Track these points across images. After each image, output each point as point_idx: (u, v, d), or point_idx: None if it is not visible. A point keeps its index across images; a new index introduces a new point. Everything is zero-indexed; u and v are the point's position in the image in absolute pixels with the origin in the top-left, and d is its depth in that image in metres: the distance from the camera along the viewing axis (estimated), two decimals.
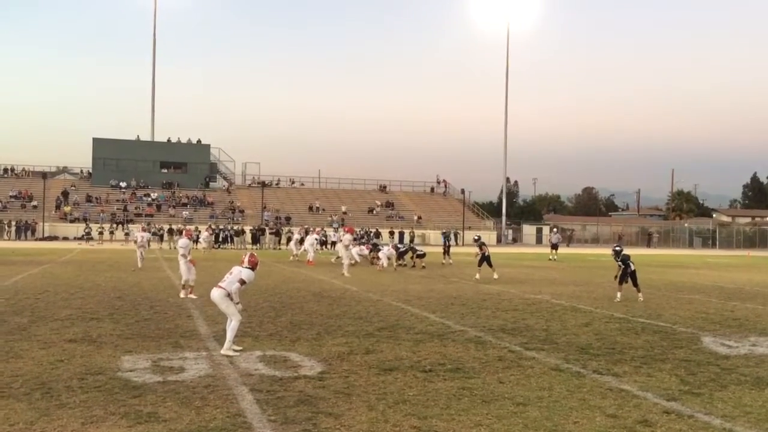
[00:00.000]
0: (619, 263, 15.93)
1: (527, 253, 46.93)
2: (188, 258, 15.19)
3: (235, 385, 7.14)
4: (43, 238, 51.87)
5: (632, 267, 15.75)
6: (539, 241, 69.82)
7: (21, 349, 8.88)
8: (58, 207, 58.09)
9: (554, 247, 37.61)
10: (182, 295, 14.90)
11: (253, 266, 9.13)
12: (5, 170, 65.95)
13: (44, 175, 58.73)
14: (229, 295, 8.90)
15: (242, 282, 8.92)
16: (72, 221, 55.72)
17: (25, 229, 52.44)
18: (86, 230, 50.64)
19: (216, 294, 8.94)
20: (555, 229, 44.44)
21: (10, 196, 59.50)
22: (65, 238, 52.26)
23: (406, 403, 6.56)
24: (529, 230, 74.52)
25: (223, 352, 8.69)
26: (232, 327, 8.83)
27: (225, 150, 73.58)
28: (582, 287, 19.63)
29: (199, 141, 69.73)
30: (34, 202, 58.19)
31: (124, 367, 7.89)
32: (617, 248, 16.50)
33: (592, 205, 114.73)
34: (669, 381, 7.74)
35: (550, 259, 35.65)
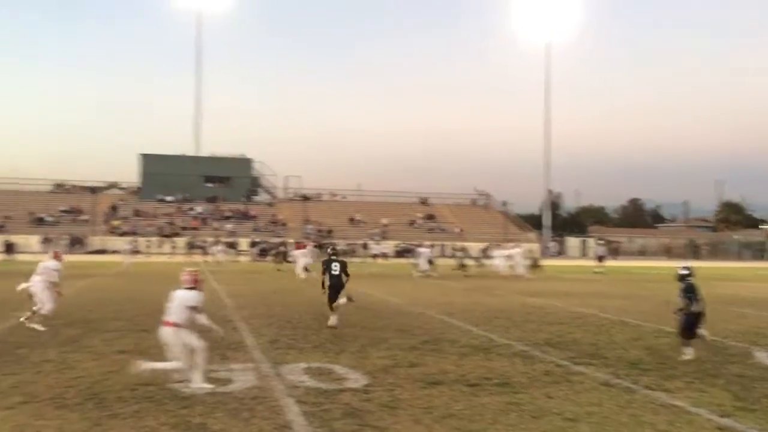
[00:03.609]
0: (685, 296, 9.90)
1: (572, 265, 46.27)
2: (48, 285, 12.29)
3: (281, 397, 7.20)
4: (93, 252, 53.13)
5: (699, 306, 9.85)
6: (584, 253, 68.80)
7: (74, 360, 9.10)
8: (107, 221, 59.48)
9: (600, 259, 37.00)
10: (23, 318, 12.11)
11: (193, 284, 7.81)
12: (57, 186, 67.81)
13: (93, 190, 60.24)
14: (185, 328, 7.62)
15: (195, 309, 7.67)
16: (121, 235, 56.98)
17: (75, 243, 53.83)
18: (130, 244, 51.86)
19: (164, 333, 7.67)
20: (601, 241, 43.74)
21: (61, 211, 61.13)
22: (114, 252, 53.43)
23: (453, 418, 6.52)
24: (573, 242, 73.51)
25: (194, 385, 7.54)
26: (200, 359, 7.64)
27: (267, 163, 74.38)
28: (629, 301, 19.26)
29: (242, 155, 70.75)
30: (84, 217, 59.72)
31: (174, 378, 8.01)
32: (684, 272, 10.26)
33: (638, 216, 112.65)
34: (722, 397, 7.54)
35: (595, 272, 35.07)
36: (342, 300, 12.92)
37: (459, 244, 51.16)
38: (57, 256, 13.02)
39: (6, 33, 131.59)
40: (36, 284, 12.15)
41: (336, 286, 12.97)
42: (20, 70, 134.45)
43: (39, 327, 11.74)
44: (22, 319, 12.02)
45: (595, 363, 9.46)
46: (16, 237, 48.17)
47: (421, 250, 31.46)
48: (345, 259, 14.08)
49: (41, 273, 12.31)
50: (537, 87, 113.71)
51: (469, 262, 32.47)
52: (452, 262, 33.98)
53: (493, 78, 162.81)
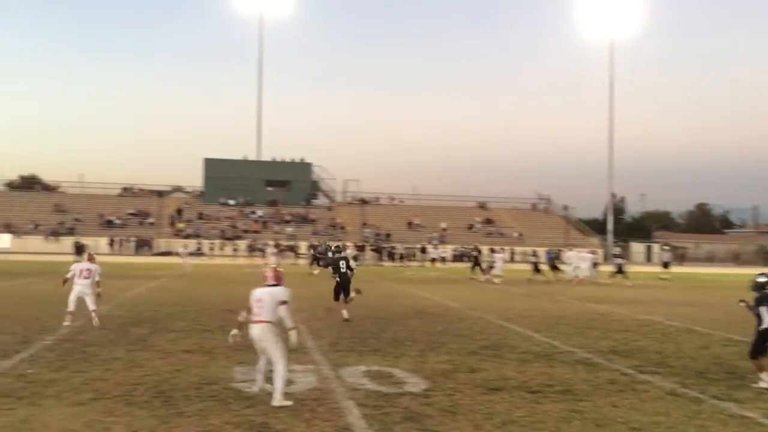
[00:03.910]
0: (760, 307, 8.42)
1: (637, 271, 45.09)
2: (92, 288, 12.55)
3: (342, 399, 7.25)
4: (159, 254, 54.65)
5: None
6: (649, 259, 66.99)
7: (142, 359, 9.38)
8: (172, 224, 61.12)
9: (665, 265, 35.95)
10: (66, 323, 12.32)
11: (279, 281, 7.57)
12: (124, 189, 70.06)
13: (159, 194, 61.98)
14: (272, 329, 7.31)
15: (284, 303, 7.34)
16: (185, 237, 58.43)
17: (142, 245, 55.50)
18: (186, 247, 52.83)
19: (257, 330, 7.31)
20: (666, 247, 42.51)
21: (129, 214, 63.14)
22: (176, 254, 54.85)
23: (514, 424, 6.44)
24: (637, 248, 71.62)
25: (275, 403, 6.98)
26: (279, 374, 7.15)
27: (327, 167, 75.15)
28: (697, 308, 18.66)
29: (302, 159, 71.70)
30: (151, 219, 61.53)
31: (237, 378, 8.18)
32: (762, 279, 8.66)
33: (705, 221, 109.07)
34: None
35: (661, 278, 34.11)
36: (353, 294, 14.26)
37: (532, 248, 50.37)
38: (91, 258, 13.28)
39: (83, 37, 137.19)
40: (84, 289, 12.40)
41: (343, 282, 14.34)
42: (92, 74, 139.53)
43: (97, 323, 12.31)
44: (66, 323, 12.19)
45: (661, 372, 9.20)
46: (86, 239, 49.93)
47: (497, 255, 30.97)
48: (348, 257, 15.74)
49: (87, 276, 12.52)
50: (600, 87, 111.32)
51: (543, 266, 31.91)
52: (525, 267, 33.68)
53: (555, 78, 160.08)
